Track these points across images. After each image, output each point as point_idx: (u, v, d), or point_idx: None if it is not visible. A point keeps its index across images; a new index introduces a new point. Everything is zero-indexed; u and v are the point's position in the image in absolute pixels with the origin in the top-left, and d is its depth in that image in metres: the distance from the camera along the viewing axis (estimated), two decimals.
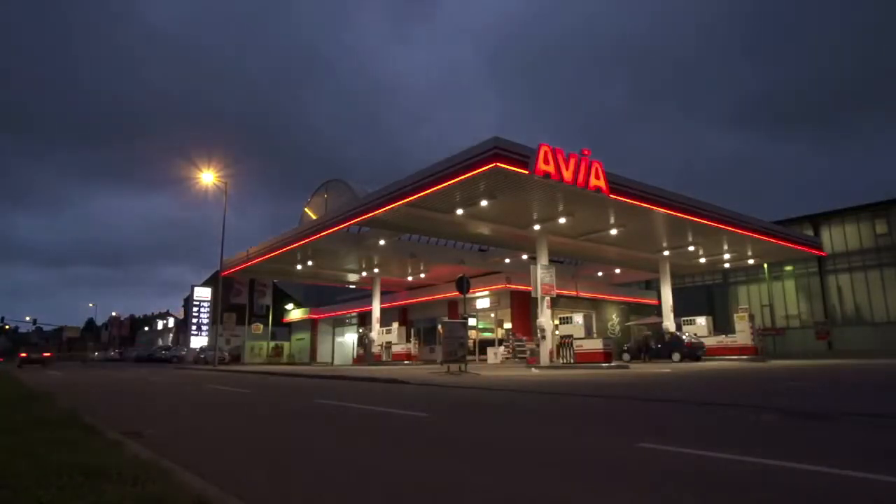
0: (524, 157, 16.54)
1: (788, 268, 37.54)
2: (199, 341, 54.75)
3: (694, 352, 24.34)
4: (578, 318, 22.37)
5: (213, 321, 49.12)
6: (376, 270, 33.48)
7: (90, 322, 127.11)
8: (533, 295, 22.17)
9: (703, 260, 30.41)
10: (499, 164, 16.03)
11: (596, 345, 21.45)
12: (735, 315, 26.78)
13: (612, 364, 20.84)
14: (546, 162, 16.52)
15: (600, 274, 36.35)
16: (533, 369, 20.41)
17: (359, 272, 34.58)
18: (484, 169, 16.32)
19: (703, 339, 25.76)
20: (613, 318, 38.21)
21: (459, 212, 20.51)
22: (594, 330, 23.49)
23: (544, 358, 21.86)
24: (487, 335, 35.37)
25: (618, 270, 35.15)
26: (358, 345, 38.75)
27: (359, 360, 36.80)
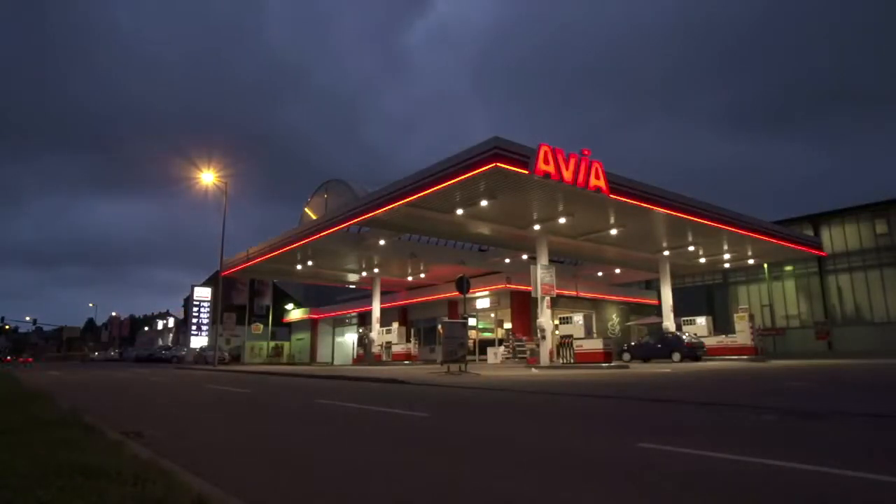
0: (524, 157, 16.54)
1: (788, 268, 37.55)
2: (199, 341, 54.74)
3: (694, 352, 24.34)
4: (578, 318, 22.36)
5: (213, 321, 49.11)
6: (376, 270, 33.47)
7: (90, 322, 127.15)
8: (533, 295, 22.16)
9: (703, 260, 30.41)
10: (499, 164, 16.02)
11: (596, 345, 21.44)
12: (735, 315, 26.75)
13: (612, 364, 20.84)
14: (546, 162, 16.52)
15: (600, 274, 36.34)
16: (533, 369, 20.41)
17: (359, 272, 34.57)
18: (484, 169, 16.31)
19: (702, 339, 25.76)
20: (613, 318, 38.20)
21: (459, 212, 20.51)
22: (594, 330, 23.47)
23: (544, 358, 21.86)
24: (487, 335, 35.36)
25: (618, 270, 35.13)
26: (358, 345, 38.74)
27: (359, 360, 36.79)
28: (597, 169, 17.82)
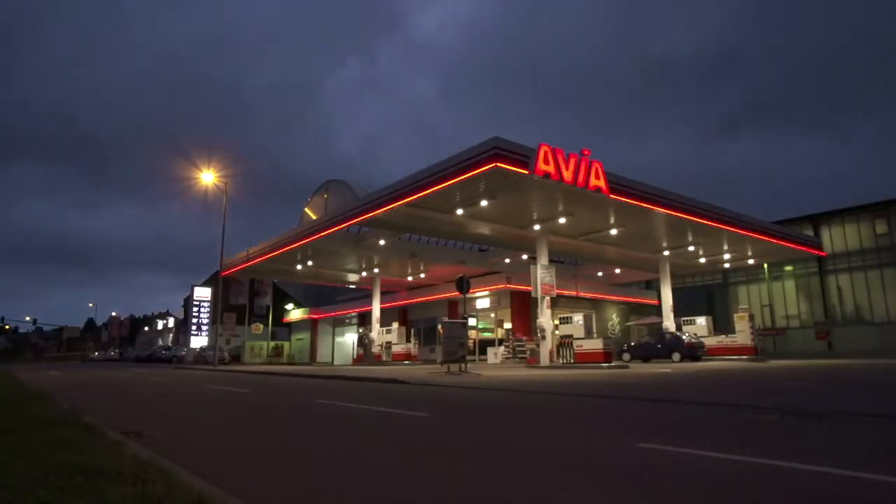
0: (524, 157, 16.54)
1: (788, 268, 37.54)
2: (198, 341, 54.68)
3: (693, 352, 24.33)
4: (578, 318, 22.35)
5: (213, 321, 49.10)
6: (376, 270, 33.48)
7: (90, 322, 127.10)
8: (533, 295, 22.16)
9: (703, 260, 30.40)
10: (499, 164, 16.03)
11: (596, 345, 21.43)
12: (735, 315, 26.76)
13: (612, 364, 20.83)
14: (546, 162, 16.52)
15: (600, 274, 36.35)
16: (533, 369, 20.41)
17: (359, 272, 34.58)
18: (484, 169, 16.31)
19: (702, 339, 25.76)
20: (613, 318, 38.21)
21: (459, 212, 20.51)
22: (594, 330, 23.47)
23: (544, 358, 21.85)
24: (487, 335, 35.36)
25: (618, 270, 35.16)
26: (358, 345, 38.76)
27: (359, 360, 36.81)
28: (597, 169, 17.81)
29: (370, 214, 21.39)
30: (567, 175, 17.00)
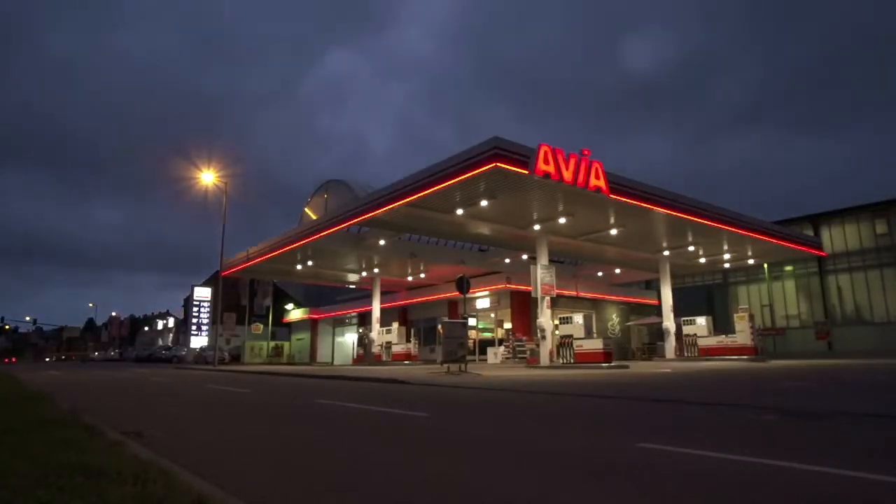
0: (524, 157, 16.53)
1: (788, 268, 37.54)
2: (199, 341, 54.72)
3: None
4: (578, 318, 22.32)
5: (213, 321, 49.11)
6: (376, 270, 33.47)
7: (90, 322, 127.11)
8: (533, 295, 22.16)
9: (703, 260, 30.38)
10: (499, 164, 16.02)
11: (596, 345, 21.40)
12: (735, 315, 26.73)
13: (612, 364, 20.82)
14: (546, 162, 16.52)
15: (600, 274, 36.33)
16: (533, 369, 20.40)
17: (359, 272, 34.57)
18: (484, 169, 16.31)
19: (703, 339, 25.73)
20: (613, 318, 38.19)
21: (459, 212, 20.51)
22: (594, 330, 23.43)
23: (544, 358, 21.84)
24: (487, 335, 35.35)
25: (618, 270, 35.13)
26: (358, 345, 38.74)
27: (359, 360, 36.80)
28: (597, 169, 17.80)
29: (370, 214, 21.39)
30: (567, 175, 16.99)
